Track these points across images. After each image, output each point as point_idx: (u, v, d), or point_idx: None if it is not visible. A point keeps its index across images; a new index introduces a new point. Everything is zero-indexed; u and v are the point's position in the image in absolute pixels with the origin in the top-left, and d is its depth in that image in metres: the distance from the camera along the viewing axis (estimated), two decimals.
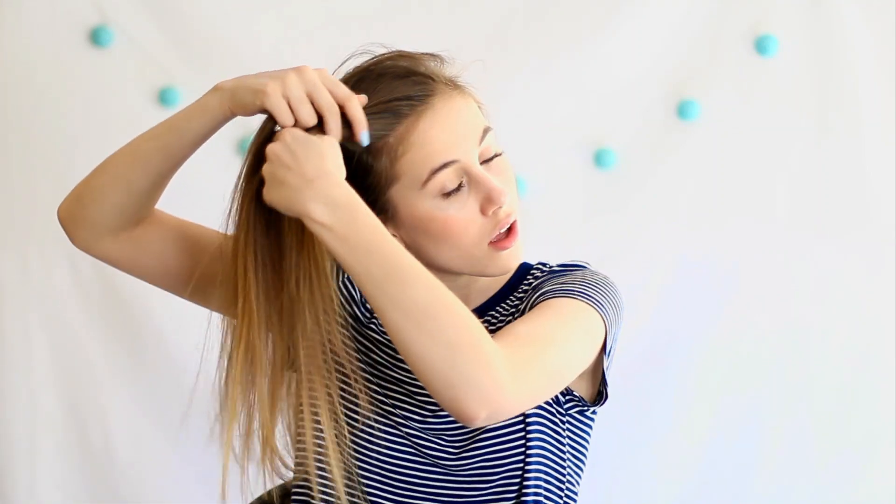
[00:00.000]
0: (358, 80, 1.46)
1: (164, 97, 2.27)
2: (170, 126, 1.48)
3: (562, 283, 1.47)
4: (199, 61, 2.28)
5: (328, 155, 1.35)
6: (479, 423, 1.32)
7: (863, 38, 2.27)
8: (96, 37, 2.26)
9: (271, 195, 1.35)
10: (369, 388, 1.51)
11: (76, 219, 1.53)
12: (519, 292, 1.54)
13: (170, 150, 1.47)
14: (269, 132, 1.40)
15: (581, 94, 2.30)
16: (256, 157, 1.40)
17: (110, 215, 1.52)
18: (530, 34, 2.29)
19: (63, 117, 2.27)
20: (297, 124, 1.38)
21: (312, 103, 1.38)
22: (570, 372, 1.43)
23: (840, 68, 2.28)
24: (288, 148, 1.34)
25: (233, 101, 1.42)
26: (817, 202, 2.30)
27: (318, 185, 1.33)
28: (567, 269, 1.54)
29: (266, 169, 1.35)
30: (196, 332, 1.55)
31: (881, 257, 2.29)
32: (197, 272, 1.54)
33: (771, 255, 2.30)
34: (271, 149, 1.35)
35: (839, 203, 2.29)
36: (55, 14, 2.26)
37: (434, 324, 1.30)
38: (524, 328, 1.39)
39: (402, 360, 1.51)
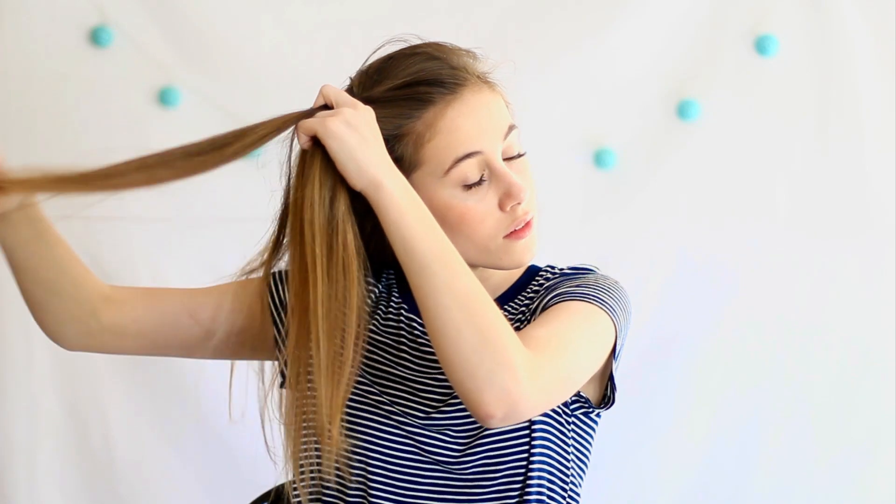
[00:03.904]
0: (390, 59, 1.48)
1: (164, 97, 2.27)
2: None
3: (574, 287, 1.48)
4: (199, 61, 2.28)
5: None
6: (494, 423, 1.33)
7: (863, 38, 2.27)
8: (96, 37, 2.26)
9: (346, 164, 1.36)
10: (365, 389, 1.50)
11: (48, 332, 1.58)
12: (528, 292, 1.54)
13: (18, 265, 1.52)
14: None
15: (581, 94, 2.30)
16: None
17: (62, 317, 1.55)
18: (530, 34, 2.29)
19: (63, 117, 2.27)
20: None
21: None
22: (582, 377, 1.44)
23: (840, 68, 2.27)
24: (350, 124, 1.36)
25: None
26: (817, 202, 2.30)
27: (389, 163, 1.37)
28: (577, 272, 1.54)
29: (334, 144, 1.36)
30: None
31: (882, 257, 2.29)
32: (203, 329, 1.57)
33: (771, 256, 2.30)
34: (332, 125, 1.36)
35: (839, 203, 2.29)
36: (55, 14, 2.26)
37: (475, 308, 1.32)
38: (541, 332, 1.40)
39: (403, 359, 1.52)
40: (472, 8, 2.29)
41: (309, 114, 1.40)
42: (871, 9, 2.27)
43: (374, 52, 1.51)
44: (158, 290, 1.62)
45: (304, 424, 1.43)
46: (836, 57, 2.27)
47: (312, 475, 1.49)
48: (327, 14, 2.29)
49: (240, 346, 1.58)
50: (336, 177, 1.38)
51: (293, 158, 1.44)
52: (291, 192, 1.42)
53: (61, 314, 1.55)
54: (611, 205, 2.31)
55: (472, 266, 1.49)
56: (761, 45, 2.27)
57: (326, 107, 1.41)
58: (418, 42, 1.50)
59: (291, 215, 1.41)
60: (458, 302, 1.32)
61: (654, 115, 2.30)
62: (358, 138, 1.36)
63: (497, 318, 1.33)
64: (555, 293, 1.48)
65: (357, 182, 1.36)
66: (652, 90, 2.29)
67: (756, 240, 2.30)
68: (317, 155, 1.38)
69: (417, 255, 1.34)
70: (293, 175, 1.42)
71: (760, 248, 2.30)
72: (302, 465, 1.51)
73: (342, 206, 1.39)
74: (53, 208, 1.51)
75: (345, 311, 1.38)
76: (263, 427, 1.49)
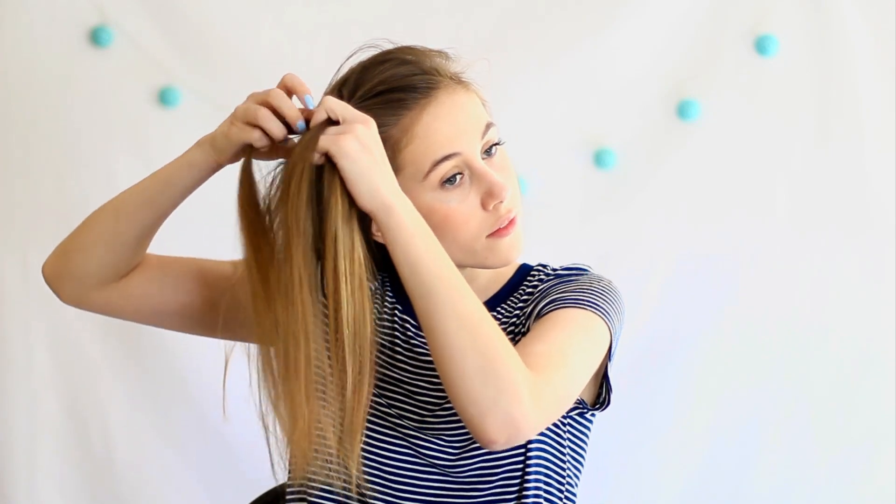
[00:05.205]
0: (362, 68, 1.46)
1: (164, 97, 2.27)
2: (156, 180, 1.47)
3: (568, 291, 1.47)
4: (199, 61, 2.28)
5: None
6: (497, 447, 1.32)
7: (863, 38, 2.27)
8: (96, 37, 2.26)
9: (358, 185, 1.33)
10: None
11: (62, 275, 1.54)
12: (521, 293, 1.53)
13: (156, 203, 1.48)
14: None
15: (581, 94, 2.30)
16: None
17: (98, 271, 1.52)
18: (530, 34, 2.29)
19: (63, 117, 2.27)
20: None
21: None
22: (580, 388, 1.44)
23: (840, 68, 2.27)
24: (362, 142, 1.33)
25: (214, 150, 1.42)
26: (818, 202, 2.30)
27: (396, 184, 1.34)
28: (570, 272, 1.54)
29: (347, 164, 1.33)
30: None
31: (882, 256, 2.29)
32: (208, 306, 1.54)
33: (771, 255, 2.30)
34: (345, 144, 1.33)
35: (840, 203, 2.29)
36: (55, 14, 2.26)
37: (479, 332, 1.31)
38: (540, 347, 1.39)
39: (398, 360, 1.51)
40: (472, 8, 2.29)
41: (315, 132, 1.35)
42: (871, 9, 2.27)
43: (347, 59, 1.49)
44: (172, 258, 1.59)
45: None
46: (836, 57, 2.27)
47: (302, 478, 1.48)
48: (327, 14, 2.29)
49: (238, 323, 1.55)
50: (348, 193, 1.35)
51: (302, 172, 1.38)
52: (328, 212, 1.35)
53: (110, 263, 1.52)
54: (611, 205, 2.31)
55: (459, 267, 1.48)
56: (761, 45, 2.27)
57: (330, 120, 1.36)
58: (390, 47, 1.49)
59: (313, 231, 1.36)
60: (464, 326, 1.31)
61: (654, 115, 2.30)
62: (370, 159, 1.33)
63: (501, 342, 1.32)
64: (549, 299, 1.47)
65: (368, 203, 1.33)
66: (652, 90, 2.29)
67: (756, 240, 2.30)
68: (335, 173, 1.34)
69: (425, 278, 1.32)
70: (304, 189, 1.35)
71: (760, 247, 2.30)
72: (293, 469, 1.51)
73: (357, 223, 1.36)
74: None
75: (366, 330, 1.36)
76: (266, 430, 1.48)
